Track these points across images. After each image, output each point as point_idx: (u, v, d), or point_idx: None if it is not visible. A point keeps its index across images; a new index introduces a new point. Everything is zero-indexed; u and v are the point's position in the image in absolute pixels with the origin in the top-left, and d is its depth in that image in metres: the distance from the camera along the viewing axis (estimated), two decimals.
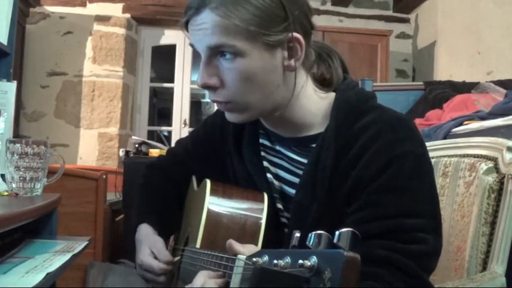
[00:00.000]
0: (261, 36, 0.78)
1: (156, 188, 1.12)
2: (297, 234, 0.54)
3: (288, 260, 0.49)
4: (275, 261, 0.50)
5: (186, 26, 0.82)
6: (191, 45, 0.83)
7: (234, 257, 0.66)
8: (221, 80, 0.81)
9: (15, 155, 1.15)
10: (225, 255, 0.70)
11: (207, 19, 0.77)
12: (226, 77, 0.80)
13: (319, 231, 0.48)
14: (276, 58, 0.81)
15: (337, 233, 0.46)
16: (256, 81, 0.80)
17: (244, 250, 0.68)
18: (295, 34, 0.80)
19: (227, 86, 0.81)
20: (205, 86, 0.81)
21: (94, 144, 4.04)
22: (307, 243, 0.48)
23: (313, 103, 0.88)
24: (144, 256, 0.99)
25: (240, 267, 0.63)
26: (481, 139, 1.07)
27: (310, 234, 0.48)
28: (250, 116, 0.86)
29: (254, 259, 0.56)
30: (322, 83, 0.92)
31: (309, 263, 0.45)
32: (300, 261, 0.46)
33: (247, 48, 0.78)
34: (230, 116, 0.87)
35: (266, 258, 0.55)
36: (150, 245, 1.01)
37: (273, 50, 0.80)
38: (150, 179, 1.15)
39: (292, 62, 0.82)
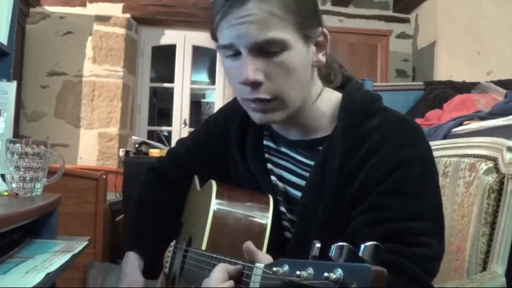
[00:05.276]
0: (303, 28, 0.77)
1: (153, 200, 1.10)
2: (318, 245, 0.53)
3: (310, 271, 0.49)
4: (298, 272, 0.49)
5: (214, 28, 0.79)
6: (223, 46, 0.78)
7: (252, 265, 0.64)
8: (266, 74, 0.77)
9: (15, 155, 1.15)
10: (239, 262, 0.68)
11: (253, 10, 0.73)
12: (272, 71, 0.77)
13: (341, 243, 0.48)
14: (310, 52, 0.81)
15: (362, 246, 0.46)
16: (297, 75, 0.79)
17: (263, 258, 0.66)
18: (324, 29, 0.82)
19: (272, 80, 0.78)
20: (252, 83, 0.77)
21: (94, 144, 4.04)
22: (330, 254, 0.48)
23: (324, 104, 0.88)
24: None
25: (258, 276, 0.62)
26: (481, 139, 1.07)
27: (332, 246, 0.48)
28: (286, 114, 0.82)
29: (274, 268, 0.55)
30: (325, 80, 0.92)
31: (334, 276, 0.45)
32: (325, 274, 0.46)
33: (293, 40, 0.77)
34: (265, 117, 0.82)
35: (286, 268, 0.53)
36: (129, 285, 1.01)
37: (309, 44, 0.81)
38: (148, 190, 1.13)
39: (320, 56, 0.83)
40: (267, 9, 0.73)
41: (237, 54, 0.78)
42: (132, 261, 1.05)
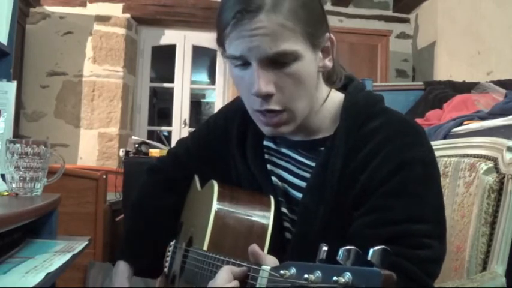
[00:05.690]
0: (312, 37, 0.77)
1: (150, 204, 1.10)
2: (325, 248, 0.53)
3: (318, 274, 0.48)
4: (305, 276, 0.49)
5: (222, 37, 0.78)
6: (232, 57, 0.78)
7: (258, 267, 0.64)
8: (277, 86, 0.77)
9: (15, 155, 1.15)
10: (245, 263, 0.68)
11: (264, 23, 0.72)
12: (282, 82, 0.77)
13: (348, 246, 0.48)
14: (317, 59, 0.81)
15: (370, 250, 0.46)
16: (306, 84, 0.79)
17: (269, 261, 0.66)
18: (331, 35, 0.82)
19: (283, 91, 0.77)
20: (264, 95, 0.77)
21: (94, 144, 4.04)
22: (337, 258, 0.48)
23: (329, 105, 0.88)
24: None
25: (264, 278, 0.61)
26: (481, 139, 1.07)
27: (340, 250, 0.48)
28: (295, 126, 0.82)
29: (281, 271, 0.54)
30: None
31: (343, 280, 0.45)
32: (334, 278, 0.46)
33: (303, 50, 0.76)
34: (275, 130, 0.82)
35: (294, 270, 0.53)
36: None
37: (316, 51, 0.80)
38: (146, 193, 1.12)
39: (326, 61, 0.83)
40: (278, 21, 0.73)
41: (246, 64, 0.78)
42: (121, 273, 1.05)
